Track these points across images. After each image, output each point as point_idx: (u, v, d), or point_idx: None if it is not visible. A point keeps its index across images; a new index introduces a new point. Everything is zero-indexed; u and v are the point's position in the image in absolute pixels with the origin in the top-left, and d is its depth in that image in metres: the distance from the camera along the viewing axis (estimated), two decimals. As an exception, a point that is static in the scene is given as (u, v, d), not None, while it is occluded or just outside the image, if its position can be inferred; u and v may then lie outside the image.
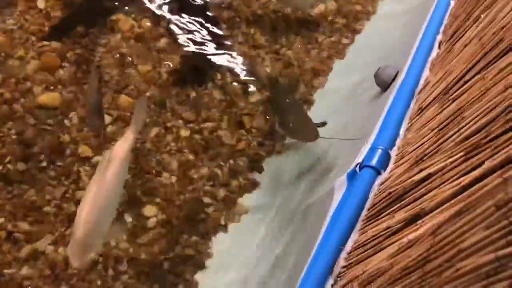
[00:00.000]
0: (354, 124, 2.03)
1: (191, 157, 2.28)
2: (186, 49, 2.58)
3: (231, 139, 2.35)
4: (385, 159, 1.40)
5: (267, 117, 2.16)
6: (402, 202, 1.15)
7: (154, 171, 2.21)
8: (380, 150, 1.42)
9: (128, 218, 2.03)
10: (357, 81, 2.43)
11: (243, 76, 2.60)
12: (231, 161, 2.27)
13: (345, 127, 2.08)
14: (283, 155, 2.26)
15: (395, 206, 1.17)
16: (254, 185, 2.24)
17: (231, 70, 2.62)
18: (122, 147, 1.73)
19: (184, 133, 2.35)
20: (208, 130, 2.37)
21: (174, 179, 2.19)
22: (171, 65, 2.57)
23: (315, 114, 2.40)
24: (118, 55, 2.52)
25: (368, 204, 1.31)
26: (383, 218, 1.20)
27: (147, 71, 2.54)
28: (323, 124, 2.04)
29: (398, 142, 1.46)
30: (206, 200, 2.15)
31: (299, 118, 1.90)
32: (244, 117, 2.43)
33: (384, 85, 1.97)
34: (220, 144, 2.33)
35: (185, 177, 2.22)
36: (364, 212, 1.31)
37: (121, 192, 1.74)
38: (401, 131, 1.50)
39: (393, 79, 1.93)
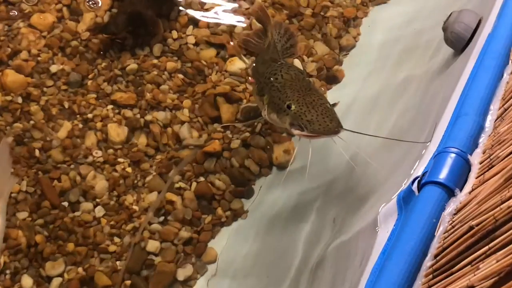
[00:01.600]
0: (406, 111, 2.03)
1: (129, 171, 2.26)
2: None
3: (197, 140, 2.34)
4: (462, 170, 1.40)
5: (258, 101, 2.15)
6: (493, 244, 1.13)
7: (67, 201, 2.20)
8: (452, 156, 1.41)
9: (28, 281, 2.04)
10: (413, 36, 2.44)
11: (221, 30, 2.61)
12: (200, 178, 2.27)
13: (390, 116, 2.10)
14: (287, 169, 2.28)
15: (481, 251, 1.16)
16: (235, 216, 2.25)
17: (197, 23, 2.62)
18: None
19: (116, 129, 2.34)
20: (159, 124, 2.36)
21: (100, 212, 2.19)
22: (98, 4, 2.57)
23: (337, 93, 2.41)
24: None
25: (434, 247, 1.30)
26: (461, 272, 1.18)
27: (47, 25, 2.54)
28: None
29: (484, 140, 1.46)
30: (152, 246, 2.15)
31: (305, 98, 1.88)
32: (220, 103, 2.42)
33: (458, 42, 1.98)
34: (179, 148, 2.32)
35: (120, 208, 2.20)
36: (428, 261, 1.29)
37: None
38: (488, 121, 1.49)
39: (474, 32, 1.94)
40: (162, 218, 2.20)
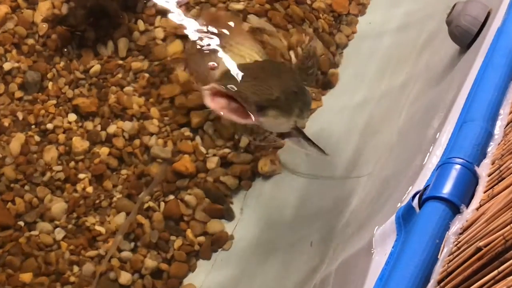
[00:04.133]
0: (405, 117, 2.06)
1: (90, 190, 2.26)
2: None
3: (166, 151, 2.33)
4: (468, 183, 1.40)
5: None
6: (503, 267, 1.13)
7: (22, 222, 2.19)
8: (457, 167, 1.41)
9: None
10: (413, 31, 2.46)
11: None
12: (170, 196, 2.27)
13: (382, 124, 2.13)
14: (271, 182, 2.29)
15: (490, 275, 1.16)
16: (215, 243, 2.25)
17: (165, 12, 2.62)
18: None
19: (79, 142, 2.33)
20: (124, 135, 2.36)
21: (60, 234, 2.18)
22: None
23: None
24: None
25: (437, 272, 1.30)
26: (468, 300, 1.19)
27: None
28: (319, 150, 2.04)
29: (493, 149, 1.46)
30: (122, 277, 2.14)
31: (265, 75, 1.88)
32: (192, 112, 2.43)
33: (464, 37, 1.98)
34: (148, 161, 2.32)
35: (81, 232, 2.20)
36: (431, 288, 1.30)
37: None
38: (498, 128, 1.49)
39: (482, 26, 1.94)
40: (133, 244, 2.20)
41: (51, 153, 2.32)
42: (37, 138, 2.35)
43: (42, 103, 2.40)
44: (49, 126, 2.36)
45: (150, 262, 2.18)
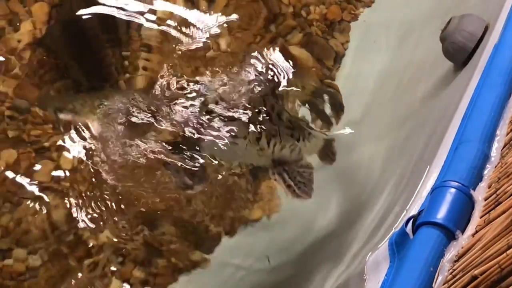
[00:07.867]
0: (395, 139, 2.08)
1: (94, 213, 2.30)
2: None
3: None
4: (464, 208, 1.40)
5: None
6: (500, 297, 1.15)
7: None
8: (452, 191, 1.42)
9: None
10: (404, 49, 2.48)
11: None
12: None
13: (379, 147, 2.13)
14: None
15: (487, 305, 1.18)
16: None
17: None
18: None
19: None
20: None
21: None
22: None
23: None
24: None
25: (432, 301, 1.30)
26: (464, 331, 1.20)
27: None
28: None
29: (489, 172, 1.46)
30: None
31: None
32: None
33: (460, 54, 1.99)
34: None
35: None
36: (425, 318, 1.30)
37: None
38: (494, 149, 1.50)
39: (479, 42, 1.95)
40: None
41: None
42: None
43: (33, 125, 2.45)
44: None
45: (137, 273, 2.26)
